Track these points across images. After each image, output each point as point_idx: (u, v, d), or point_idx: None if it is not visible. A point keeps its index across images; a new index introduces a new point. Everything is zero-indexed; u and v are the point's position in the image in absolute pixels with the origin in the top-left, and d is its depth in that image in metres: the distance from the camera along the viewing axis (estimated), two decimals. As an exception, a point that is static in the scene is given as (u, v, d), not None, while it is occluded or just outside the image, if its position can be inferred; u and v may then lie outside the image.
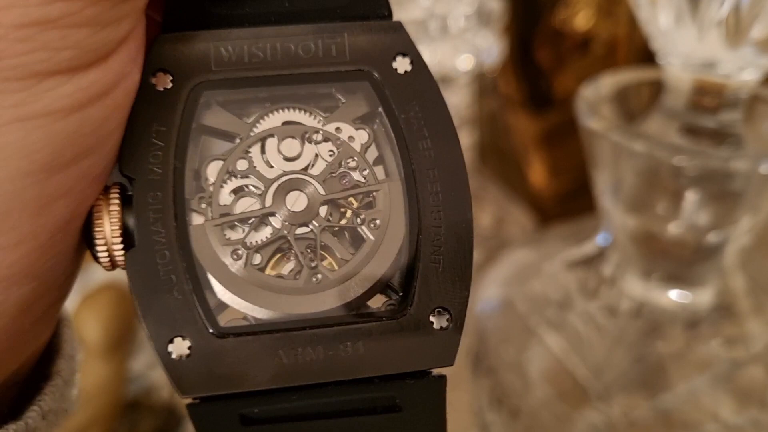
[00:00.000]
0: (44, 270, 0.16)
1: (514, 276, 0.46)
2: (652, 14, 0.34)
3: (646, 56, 0.42)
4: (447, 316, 0.17)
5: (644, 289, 0.41)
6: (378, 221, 0.18)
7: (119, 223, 0.17)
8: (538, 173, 0.64)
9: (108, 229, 0.17)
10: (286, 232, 0.18)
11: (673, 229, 0.38)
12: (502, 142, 0.65)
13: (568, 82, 0.61)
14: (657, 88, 0.39)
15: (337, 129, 0.19)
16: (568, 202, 0.63)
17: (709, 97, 0.36)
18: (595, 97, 0.39)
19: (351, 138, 0.19)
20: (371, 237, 0.18)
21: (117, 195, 0.17)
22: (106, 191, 0.17)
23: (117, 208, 0.17)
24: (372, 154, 0.19)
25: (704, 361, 0.39)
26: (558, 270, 0.45)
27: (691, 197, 0.37)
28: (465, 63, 0.51)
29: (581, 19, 0.59)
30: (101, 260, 0.17)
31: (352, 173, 0.18)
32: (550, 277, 0.45)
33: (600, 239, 0.44)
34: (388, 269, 0.18)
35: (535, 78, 0.62)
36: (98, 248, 0.17)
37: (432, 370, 0.18)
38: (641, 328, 0.40)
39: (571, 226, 0.50)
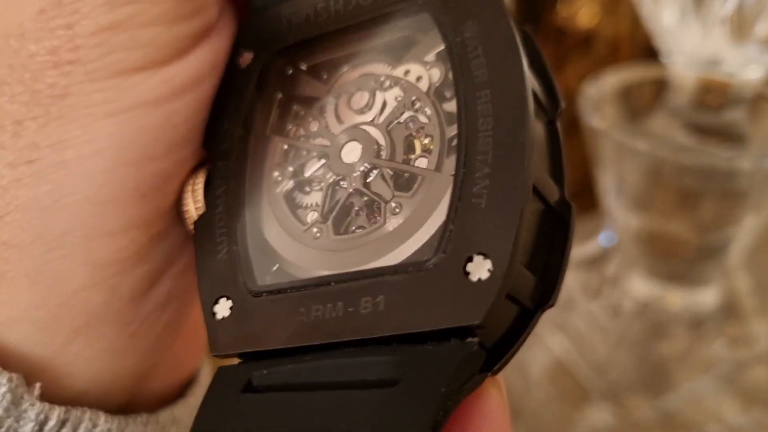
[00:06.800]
0: (153, 254, 0.17)
1: (516, 275, 0.46)
2: (656, 11, 0.34)
3: (649, 54, 0.42)
4: (488, 266, 0.14)
5: (647, 289, 0.41)
6: (402, 206, 0.16)
7: (201, 194, 0.18)
8: (540, 172, 0.64)
9: (191, 201, 0.18)
10: (329, 182, 0.17)
11: (677, 228, 0.38)
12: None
13: (570, 80, 0.60)
14: (660, 86, 0.39)
15: (406, 72, 0.17)
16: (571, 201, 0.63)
17: (713, 95, 0.36)
18: (598, 96, 0.39)
19: (419, 78, 0.17)
20: (396, 219, 0.16)
21: (204, 170, 0.18)
22: (197, 168, 0.18)
23: (201, 182, 0.18)
24: (444, 93, 0.17)
25: (708, 362, 0.39)
26: (560, 269, 0.45)
27: (694, 196, 0.36)
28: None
29: (584, 16, 0.59)
30: (190, 232, 0.18)
31: (418, 115, 0.17)
32: (553, 277, 0.44)
33: (603, 239, 0.43)
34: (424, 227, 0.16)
35: (537, 76, 0.62)
36: (186, 220, 0.18)
37: (471, 337, 0.14)
38: (644, 328, 0.40)
39: (573, 225, 0.50)
